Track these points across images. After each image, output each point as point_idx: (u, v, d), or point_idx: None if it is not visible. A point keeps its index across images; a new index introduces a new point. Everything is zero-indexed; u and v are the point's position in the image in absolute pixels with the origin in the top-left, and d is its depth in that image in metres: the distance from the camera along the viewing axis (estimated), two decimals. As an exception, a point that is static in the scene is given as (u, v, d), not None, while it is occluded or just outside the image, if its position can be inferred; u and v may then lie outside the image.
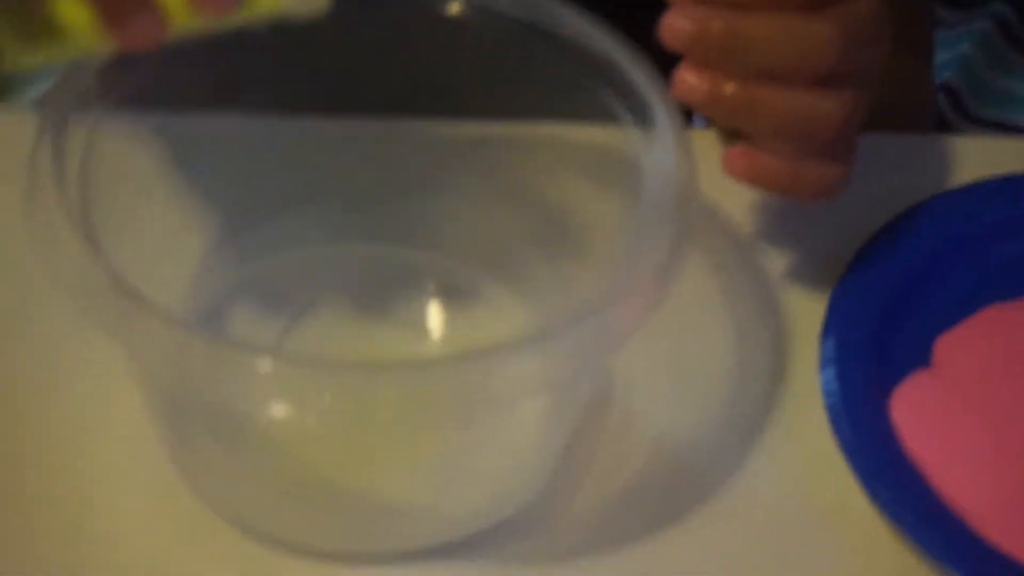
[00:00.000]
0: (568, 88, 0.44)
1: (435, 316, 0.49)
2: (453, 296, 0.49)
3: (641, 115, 0.43)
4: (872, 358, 0.48)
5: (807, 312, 0.50)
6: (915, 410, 0.47)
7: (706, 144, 0.51)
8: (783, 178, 0.46)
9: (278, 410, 0.40)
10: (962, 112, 0.92)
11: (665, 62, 0.44)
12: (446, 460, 0.45)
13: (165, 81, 0.43)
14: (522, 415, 0.46)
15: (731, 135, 0.48)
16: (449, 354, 0.39)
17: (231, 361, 0.37)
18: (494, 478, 0.46)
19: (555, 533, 0.45)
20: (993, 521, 0.44)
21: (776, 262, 0.52)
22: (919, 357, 0.49)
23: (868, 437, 0.46)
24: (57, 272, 0.38)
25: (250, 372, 0.37)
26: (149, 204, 0.45)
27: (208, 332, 0.37)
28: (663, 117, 0.43)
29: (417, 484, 0.45)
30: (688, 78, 0.43)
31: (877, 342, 0.48)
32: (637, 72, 0.43)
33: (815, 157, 0.46)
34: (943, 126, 0.88)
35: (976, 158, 0.55)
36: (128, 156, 0.44)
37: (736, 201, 0.53)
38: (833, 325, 0.48)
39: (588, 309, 0.39)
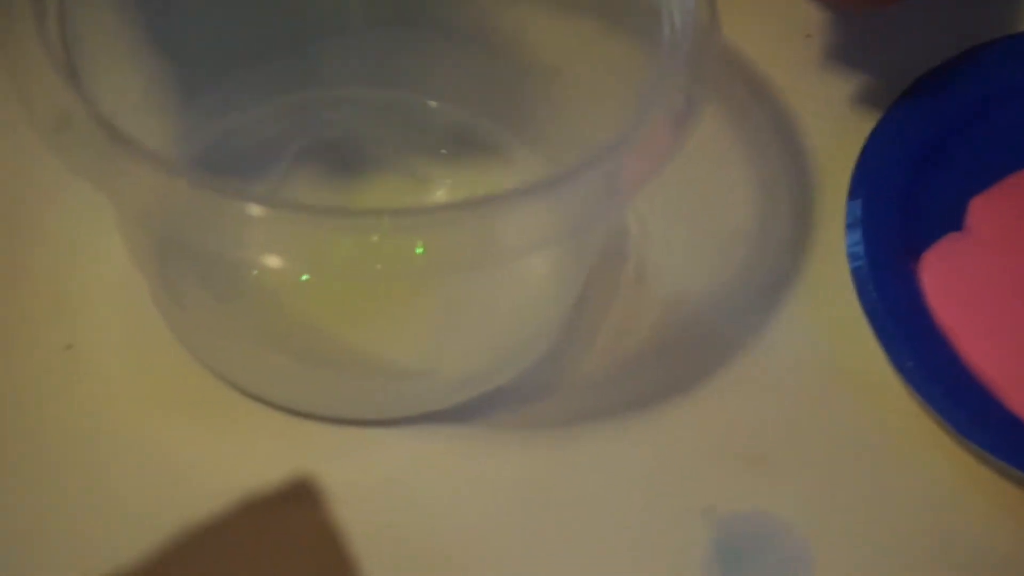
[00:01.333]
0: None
1: (440, 165, 0.46)
2: (460, 144, 0.46)
3: None
4: (901, 220, 0.45)
5: (835, 168, 0.47)
6: (945, 275, 0.44)
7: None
8: None
9: (271, 260, 0.37)
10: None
11: None
12: (448, 317, 0.43)
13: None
14: (529, 269, 0.43)
15: None
16: (450, 201, 0.36)
17: (220, 206, 0.34)
18: (499, 337, 0.43)
19: (561, 396, 0.43)
20: (1020, 392, 0.42)
21: (804, 114, 0.49)
22: (953, 219, 0.46)
23: (894, 304, 0.43)
24: (33, 109, 0.35)
25: (241, 218, 0.34)
26: (130, 44, 0.42)
27: (196, 175, 0.34)
28: None
29: (417, 343, 0.43)
30: None
31: (907, 203, 0.45)
32: None
33: None
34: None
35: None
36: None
37: (762, 48, 0.50)
38: (860, 184, 0.45)
39: (597, 156, 0.36)
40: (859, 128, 0.47)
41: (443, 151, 0.46)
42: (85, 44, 0.38)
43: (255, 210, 0.34)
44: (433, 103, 0.46)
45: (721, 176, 0.48)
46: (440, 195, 0.46)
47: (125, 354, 0.42)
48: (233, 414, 0.42)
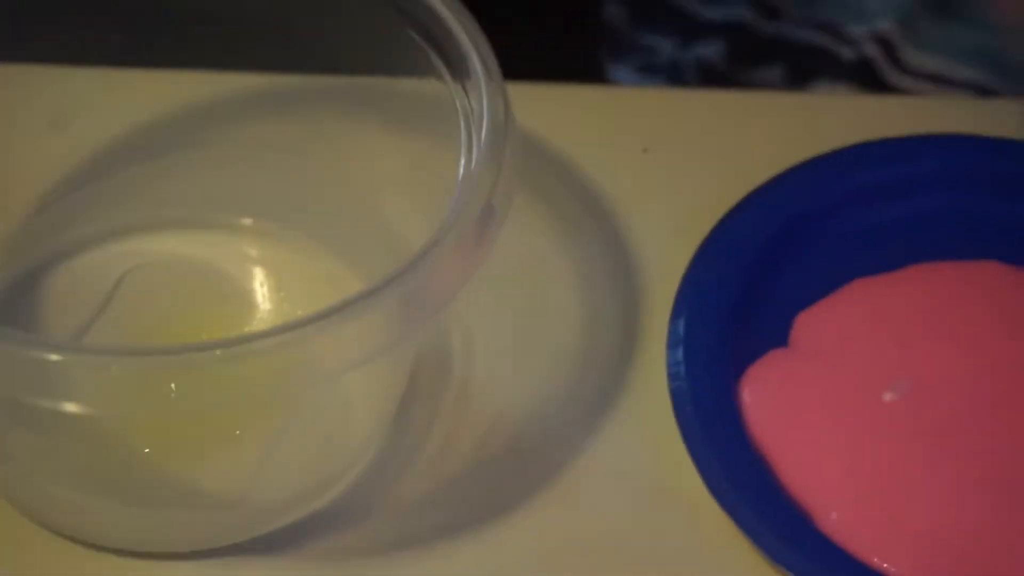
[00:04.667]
0: (376, 37, 0.41)
1: (259, 285, 0.46)
2: (278, 263, 0.46)
3: (456, 65, 0.40)
4: (725, 337, 0.44)
5: (663, 284, 0.47)
6: (765, 393, 0.43)
7: (559, 100, 0.49)
8: None
9: (69, 405, 0.37)
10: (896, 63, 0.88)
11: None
12: (261, 444, 0.42)
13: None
14: (341, 389, 0.43)
15: None
16: (236, 336, 0.35)
17: (15, 354, 0.34)
18: (312, 462, 0.43)
19: (378, 521, 0.42)
20: (836, 518, 0.41)
21: (636, 229, 0.49)
22: (780, 335, 0.46)
23: (709, 424, 0.42)
24: None
25: (39, 365, 0.34)
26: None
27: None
28: (479, 68, 0.40)
29: (227, 472, 0.42)
30: None
31: (733, 319, 0.45)
32: (452, 20, 0.40)
33: None
34: (873, 79, 0.85)
35: (862, 117, 0.52)
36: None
37: (598, 161, 0.50)
38: (684, 301, 0.45)
39: (393, 276, 0.36)
40: (689, 243, 0.47)
41: (259, 269, 0.46)
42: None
43: (52, 357, 0.34)
44: (247, 220, 0.46)
45: (547, 290, 0.47)
46: (262, 316, 0.45)
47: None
48: (31, 548, 0.41)
